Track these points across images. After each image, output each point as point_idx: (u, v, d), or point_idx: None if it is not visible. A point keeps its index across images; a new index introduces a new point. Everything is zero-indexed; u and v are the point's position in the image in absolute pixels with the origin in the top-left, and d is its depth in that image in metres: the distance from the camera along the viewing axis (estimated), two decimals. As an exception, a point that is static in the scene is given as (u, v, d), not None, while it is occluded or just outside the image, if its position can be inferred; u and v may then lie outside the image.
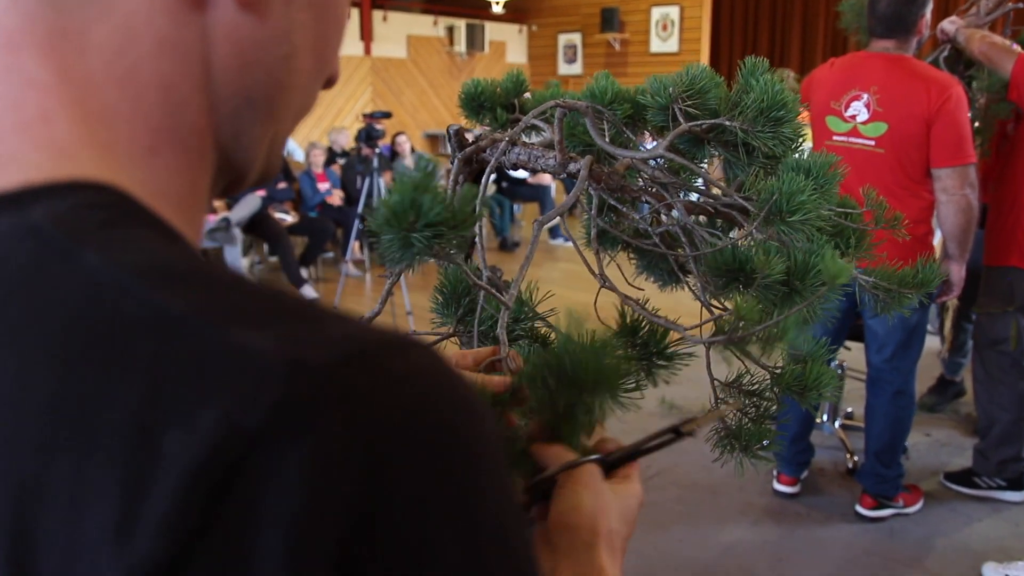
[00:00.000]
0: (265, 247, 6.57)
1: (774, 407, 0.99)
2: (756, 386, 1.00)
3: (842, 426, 3.32)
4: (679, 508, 2.69)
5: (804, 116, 1.05)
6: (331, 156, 7.31)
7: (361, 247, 6.91)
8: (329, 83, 0.47)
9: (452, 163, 1.20)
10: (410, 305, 4.61)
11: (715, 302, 0.99)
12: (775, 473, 2.86)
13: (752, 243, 0.97)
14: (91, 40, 0.35)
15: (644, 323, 0.93)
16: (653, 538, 2.51)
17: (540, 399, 0.65)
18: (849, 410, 3.46)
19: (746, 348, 0.90)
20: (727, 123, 0.96)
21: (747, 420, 1.01)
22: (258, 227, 6.00)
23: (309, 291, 5.84)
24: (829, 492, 2.91)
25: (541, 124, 1.35)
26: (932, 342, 3.42)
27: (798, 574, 2.43)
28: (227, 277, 0.32)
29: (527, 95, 1.41)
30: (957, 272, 2.48)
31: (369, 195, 4.72)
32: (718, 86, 1.02)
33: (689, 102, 0.99)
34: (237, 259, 5.64)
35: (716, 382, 0.98)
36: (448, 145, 1.13)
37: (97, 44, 0.35)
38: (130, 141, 0.36)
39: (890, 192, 2.43)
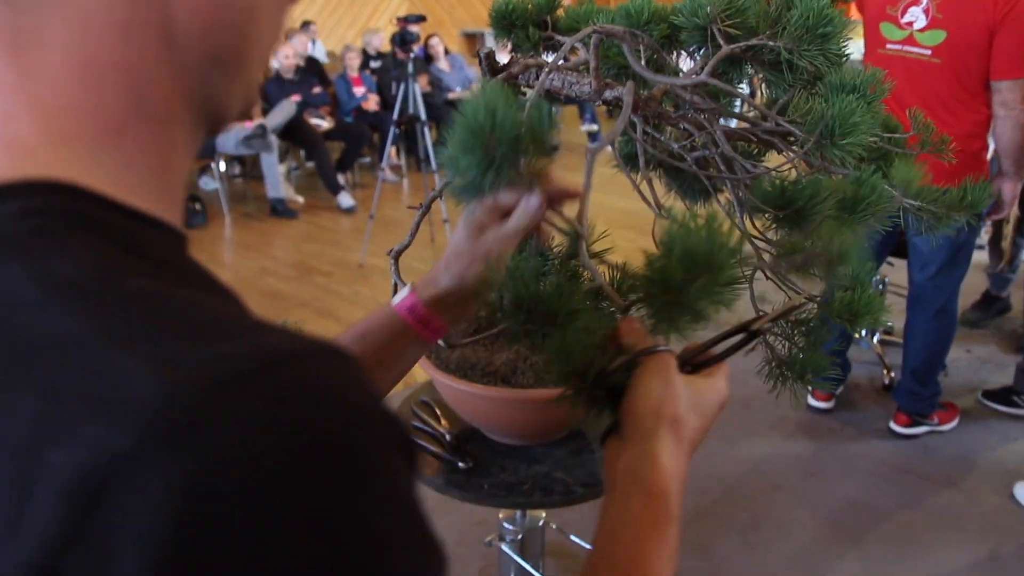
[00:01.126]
0: (302, 153, 6.57)
1: (826, 335, 0.97)
2: (805, 314, 0.98)
3: (880, 341, 3.28)
4: (711, 421, 2.70)
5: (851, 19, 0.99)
6: (366, 59, 7.19)
7: (398, 152, 6.87)
8: None
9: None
10: (447, 212, 4.60)
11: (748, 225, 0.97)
12: (809, 388, 2.85)
13: (796, 173, 0.93)
14: (49, 35, 0.35)
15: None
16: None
17: (650, 283, 0.63)
18: (889, 325, 3.41)
19: (807, 273, 0.88)
20: (770, 43, 0.91)
21: (797, 350, 1.00)
22: (294, 133, 5.98)
23: (346, 198, 5.85)
24: (864, 408, 2.90)
25: (576, 44, 1.29)
26: (978, 256, 3.33)
27: (829, 490, 2.45)
28: (138, 289, 0.32)
29: (560, 11, 1.35)
30: (1010, 190, 2.38)
31: (404, 100, 4.63)
32: (757, 2, 0.96)
33: (728, 22, 0.93)
34: (274, 166, 5.64)
35: (762, 312, 0.96)
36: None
37: (55, 38, 0.36)
38: (94, 128, 0.37)
39: (944, 105, 2.32)
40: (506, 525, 1.71)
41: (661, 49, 1.11)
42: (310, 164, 6.59)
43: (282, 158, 6.10)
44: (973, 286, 3.43)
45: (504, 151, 0.60)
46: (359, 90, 6.65)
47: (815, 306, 0.94)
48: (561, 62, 1.06)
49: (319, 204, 6.06)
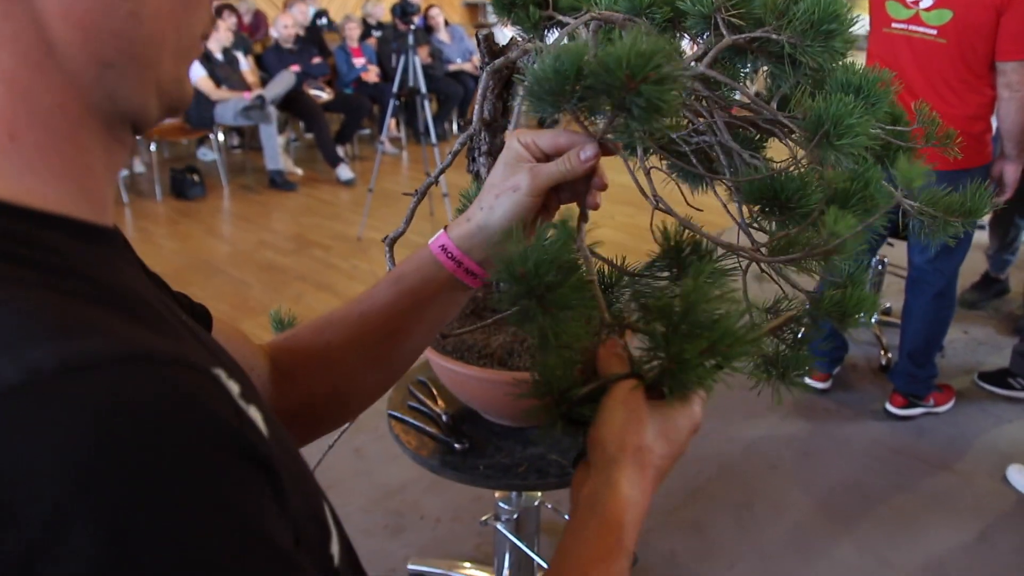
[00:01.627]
0: (301, 125, 6.52)
1: (812, 333, 0.96)
2: (794, 311, 0.98)
3: (879, 322, 3.29)
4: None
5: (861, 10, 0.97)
6: (366, 30, 7.11)
7: (397, 124, 6.82)
8: None
9: (481, 71, 1.15)
10: (447, 187, 4.58)
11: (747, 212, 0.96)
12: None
13: (795, 166, 0.93)
14: None
15: (687, 244, 0.89)
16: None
17: (653, 340, 0.63)
18: (888, 305, 3.41)
19: (802, 267, 0.88)
20: (774, 36, 0.90)
21: (784, 347, 1.00)
22: (293, 104, 5.93)
23: (345, 170, 5.83)
24: (860, 388, 2.91)
25: (576, 24, 1.28)
26: (979, 236, 3.32)
27: (824, 470, 2.47)
28: None
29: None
30: (1012, 173, 2.37)
31: (405, 73, 4.59)
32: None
33: (732, 12, 0.92)
34: (272, 137, 5.60)
35: (754, 308, 0.96)
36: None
37: None
38: None
39: (949, 86, 2.30)
40: (502, 504, 1.72)
41: (665, 32, 1.10)
42: (309, 136, 6.55)
43: (281, 129, 6.07)
44: (972, 267, 3.42)
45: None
46: (359, 61, 6.59)
47: (804, 302, 0.93)
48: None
49: (318, 176, 6.03)
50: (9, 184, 0.39)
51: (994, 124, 2.39)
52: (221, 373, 0.38)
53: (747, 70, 1.05)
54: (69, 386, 0.31)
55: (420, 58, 5.31)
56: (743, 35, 0.91)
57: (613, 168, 0.84)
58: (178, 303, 0.58)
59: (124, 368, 0.32)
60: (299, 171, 6.05)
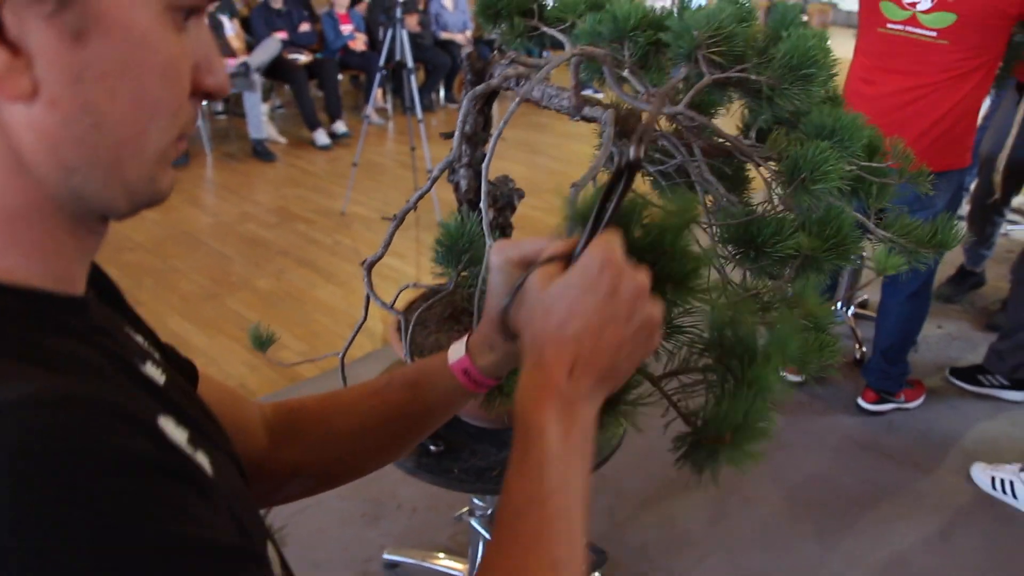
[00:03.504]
0: (287, 88, 6.44)
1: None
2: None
3: (854, 315, 3.33)
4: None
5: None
6: (355, -5, 7.00)
7: (384, 94, 6.75)
8: (212, 95, 0.48)
9: (464, 91, 1.15)
10: (431, 161, 4.56)
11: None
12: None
13: (771, 205, 0.94)
14: None
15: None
16: (648, 422, 2.58)
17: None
18: (864, 298, 3.45)
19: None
20: (752, 77, 0.90)
21: (717, 401, 1.01)
22: (277, 70, 5.85)
23: (322, 136, 5.82)
24: (833, 381, 2.96)
25: (561, 37, 1.28)
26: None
27: (795, 464, 2.52)
28: None
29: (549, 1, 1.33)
30: None
31: (392, 45, 4.54)
32: (746, 28, 0.95)
33: (714, 49, 0.92)
34: (256, 105, 5.54)
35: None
36: None
37: None
38: None
39: (941, 83, 2.29)
40: (476, 500, 1.75)
41: (649, 55, 1.10)
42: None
43: (265, 97, 5.99)
44: (948, 260, 3.46)
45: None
46: (346, 28, 6.49)
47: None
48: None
49: (304, 144, 5.98)
50: None
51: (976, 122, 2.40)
52: (166, 419, 0.42)
53: (724, 106, 1.06)
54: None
55: (409, 27, 5.24)
56: (723, 74, 0.91)
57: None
58: (163, 353, 0.59)
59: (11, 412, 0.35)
60: (283, 140, 5.99)
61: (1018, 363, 2.78)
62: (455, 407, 0.77)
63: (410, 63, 4.49)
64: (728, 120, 1.08)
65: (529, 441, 0.53)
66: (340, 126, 5.97)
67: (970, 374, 2.91)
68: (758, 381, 0.64)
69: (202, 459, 0.43)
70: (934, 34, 2.25)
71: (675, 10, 1.12)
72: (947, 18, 2.22)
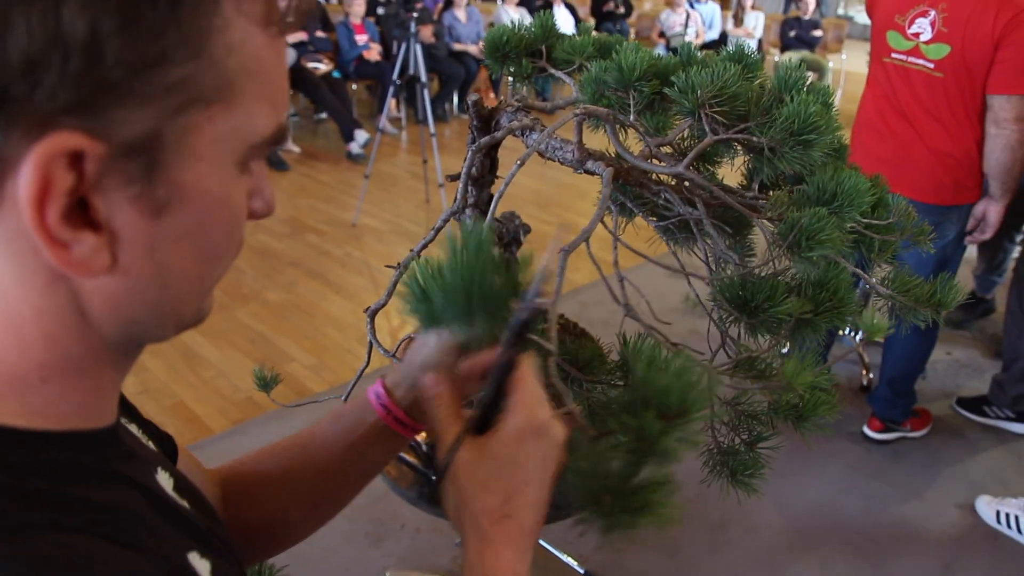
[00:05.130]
0: (301, 98, 6.48)
1: (768, 433, 0.99)
2: (753, 407, 1.01)
3: (862, 341, 3.32)
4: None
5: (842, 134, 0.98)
6: (371, 5, 7.04)
7: (398, 104, 6.79)
8: (258, 217, 0.50)
9: (470, 140, 1.16)
10: (441, 177, 4.58)
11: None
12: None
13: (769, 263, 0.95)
14: None
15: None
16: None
17: (626, 430, 0.63)
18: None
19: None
20: (754, 139, 0.91)
21: (740, 442, 1.03)
22: (293, 79, 5.89)
23: (356, 146, 5.85)
24: (840, 408, 2.95)
25: (567, 79, 1.29)
26: (968, 253, 3.34)
27: (798, 492, 2.51)
28: None
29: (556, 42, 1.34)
30: (995, 214, 2.37)
31: (405, 60, 4.57)
32: (750, 85, 0.96)
33: (717, 109, 0.93)
34: (282, 72, 5.57)
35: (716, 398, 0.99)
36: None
37: None
38: (20, 385, 0.43)
39: (943, 120, 2.30)
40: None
41: (654, 102, 1.11)
42: (323, 115, 6.56)
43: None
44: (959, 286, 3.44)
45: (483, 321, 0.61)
46: (361, 38, 6.53)
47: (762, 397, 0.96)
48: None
49: (317, 153, 6.02)
50: (28, 415, 0.43)
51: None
52: (192, 554, 0.44)
53: (731, 155, 1.07)
54: None
55: (423, 38, 5.26)
56: (725, 136, 0.93)
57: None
58: (147, 432, 0.60)
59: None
60: (296, 149, 6.03)
61: (1019, 393, 2.77)
62: (374, 443, 0.75)
63: (423, 77, 4.52)
64: (734, 168, 1.09)
65: None
66: (361, 135, 5.99)
67: (976, 405, 2.90)
68: (643, 437, 0.62)
69: None
70: (932, 66, 2.26)
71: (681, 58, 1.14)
72: (943, 49, 2.22)
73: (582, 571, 2.04)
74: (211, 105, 0.42)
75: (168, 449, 0.63)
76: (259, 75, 0.44)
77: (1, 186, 0.39)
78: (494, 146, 1.23)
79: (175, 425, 2.71)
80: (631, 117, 1.07)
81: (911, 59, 2.31)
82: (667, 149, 1.10)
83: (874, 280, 1.04)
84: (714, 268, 1.00)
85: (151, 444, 0.58)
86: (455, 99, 7.25)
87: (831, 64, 7.98)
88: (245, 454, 0.78)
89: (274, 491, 0.75)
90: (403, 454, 1.52)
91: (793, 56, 7.60)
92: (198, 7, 0.40)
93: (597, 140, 1.12)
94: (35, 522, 0.39)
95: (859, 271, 1.02)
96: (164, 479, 0.52)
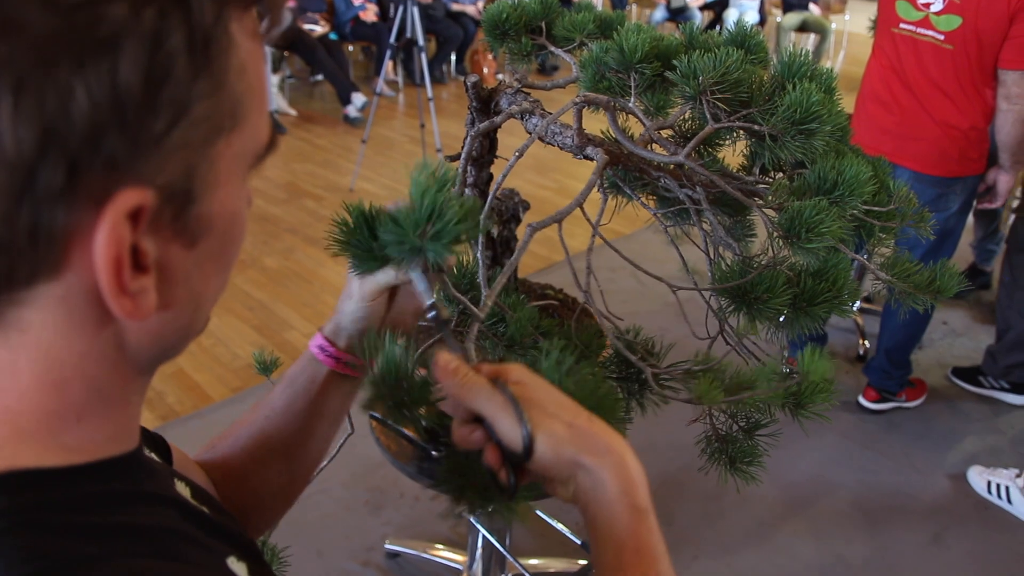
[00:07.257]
0: (297, 60, 6.41)
1: (766, 420, 1.00)
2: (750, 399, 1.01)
3: (860, 309, 3.33)
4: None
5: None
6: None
7: (395, 66, 6.71)
8: None
9: (469, 122, 1.15)
10: (440, 141, 4.55)
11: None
12: (784, 356, 2.91)
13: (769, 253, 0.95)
14: (20, 366, 0.42)
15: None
16: (641, 422, 2.61)
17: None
18: (868, 293, 3.45)
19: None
20: (756, 127, 0.91)
21: (738, 429, 1.03)
22: (292, 42, 5.82)
23: (354, 109, 5.79)
24: (836, 377, 2.97)
25: (568, 57, 1.28)
26: (966, 235, 3.34)
27: (792, 462, 2.54)
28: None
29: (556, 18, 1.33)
30: (1005, 183, 2.38)
31: (403, 22, 4.50)
32: (753, 70, 0.95)
33: (719, 95, 0.92)
34: (267, 75, 5.52)
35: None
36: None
37: (25, 368, 0.42)
38: (57, 424, 0.44)
39: (951, 92, 2.28)
40: (476, 501, 1.78)
41: (656, 83, 1.10)
42: (318, 77, 6.48)
43: (276, 67, 5.96)
44: (960, 256, 3.45)
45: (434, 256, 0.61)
46: (357, -1, 6.44)
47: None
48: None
49: (314, 115, 5.97)
50: (63, 453, 0.44)
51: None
52: (231, 559, 0.47)
53: (732, 139, 1.06)
54: None
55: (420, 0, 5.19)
56: (726, 123, 0.92)
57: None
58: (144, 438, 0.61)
59: None
60: (293, 112, 5.97)
61: (1011, 363, 2.78)
62: (332, 391, 0.77)
63: (420, 40, 4.46)
64: (735, 152, 1.08)
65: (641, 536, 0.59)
66: (359, 98, 5.93)
67: (971, 375, 2.92)
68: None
69: None
70: (942, 37, 2.23)
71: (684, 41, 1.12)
72: (954, 21, 2.20)
73: (579, 541, 2.07)
74: (230, 131, 0.42)
75: (162, 451, 0.64)
76: (258, 89, 0.44)
77: (65, 255, 0.38)
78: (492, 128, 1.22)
79: (175, 393, 2.73)
80: (631, 99, 1.06)
81: (920, 30, 2.28)
82: (667, 132, 1.09)
83: (873, 265, 1.04)
84: (713, 257, 1.00)
85: (154, 455, 0.58)
86: (452, 60, 7.17)
87: (833, 25, 7.88)
88: (213, 438, 0.80)
89: (254, 467, 0.77)
90: (403, 428, 1.53)
91: (794, 17, 7.50)
92: (221, 42, 0.40)
93: (597, 119, 1.11)
94: (93, 555, 0.39)
95: (858, 257, 1.02)
96: (181, 488, 0.53)
